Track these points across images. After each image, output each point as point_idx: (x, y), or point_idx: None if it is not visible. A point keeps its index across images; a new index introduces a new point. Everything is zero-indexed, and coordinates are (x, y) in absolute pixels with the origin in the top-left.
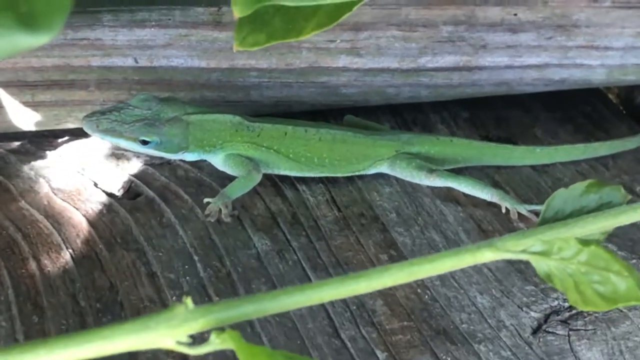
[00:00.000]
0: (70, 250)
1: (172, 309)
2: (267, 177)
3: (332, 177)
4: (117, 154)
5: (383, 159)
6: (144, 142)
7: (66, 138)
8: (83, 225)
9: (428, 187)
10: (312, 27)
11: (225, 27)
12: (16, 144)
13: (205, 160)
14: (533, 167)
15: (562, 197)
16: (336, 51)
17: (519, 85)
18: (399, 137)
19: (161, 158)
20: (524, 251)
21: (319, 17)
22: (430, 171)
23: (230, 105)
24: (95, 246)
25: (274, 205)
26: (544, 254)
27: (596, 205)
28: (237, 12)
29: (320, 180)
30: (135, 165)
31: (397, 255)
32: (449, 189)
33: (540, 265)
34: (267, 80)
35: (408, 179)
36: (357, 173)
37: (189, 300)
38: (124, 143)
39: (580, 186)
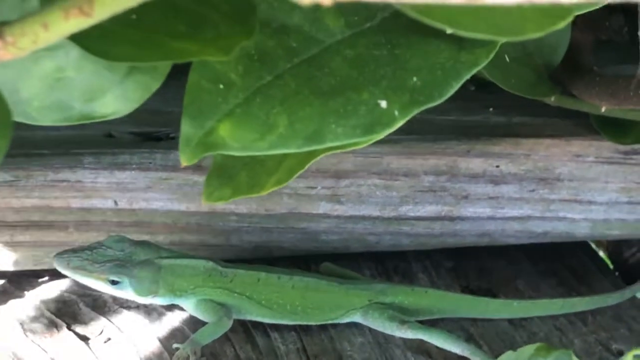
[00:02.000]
0: None
1: None
2: (239, 322)
3: (306, 325)
4: (94, 296)
5: (356, 308)
6: (114, 282)
7: (46, 278)
8: None
9: (401, 338)
10: (273, 182)
11: (205, 171)
12: None
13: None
14: (510, 320)
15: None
16: (317, 198)
17: (501, 237)
18: (373, 286)
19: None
20: None
21: (280, 172)
22: (402, 322)
23: (210, 249)
24: None
25: (243, 353)
26: None
27: None
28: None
29: (294, 327)
30: (110, 308)
31: None
32: (422, 341)
33: None
34: (247, 225)
35: (380, 329)
36: (330, 322)
37: None
38: (93, 282)
39: (529, 349)
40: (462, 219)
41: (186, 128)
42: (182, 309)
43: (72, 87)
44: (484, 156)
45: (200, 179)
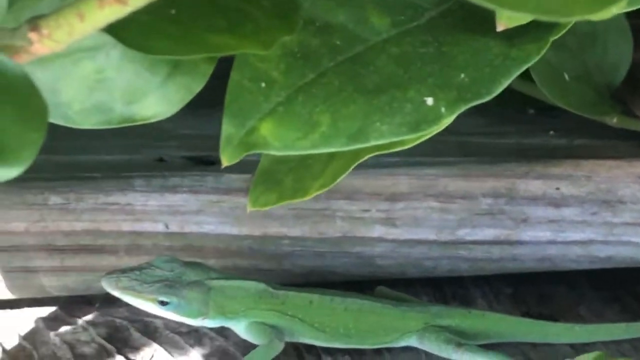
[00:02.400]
0: None
1: None
2: (292, 345)
3: (359, 349)
4: (146, 322)
5: (412, 331)
6: (163, 303)
7: (98, 305)
8: None
9: None
10: (317, 186)
11: None
12: (47, 309)
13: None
14: (572, 345)
15: None
16: (371, 221)
17: (562, 262)
18: (429, 309)
19: (188, 325)
20: None
21: (325, 176)
22: (459, 345)
23: (262, 273)
24: None
25: None
26: None
27: None
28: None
29: (347, 351)
30: (162, 334)
31: None
32: None
33: None
34: (299, 249)
35: (436, 352)
36: (384, 345)
37: None
38: (142, 303)
39: (585, 358)
40: (521, 243)
41: (227, 127)
42: (234, 334)
43: (113, 88)
44: (543, 178)
45: None
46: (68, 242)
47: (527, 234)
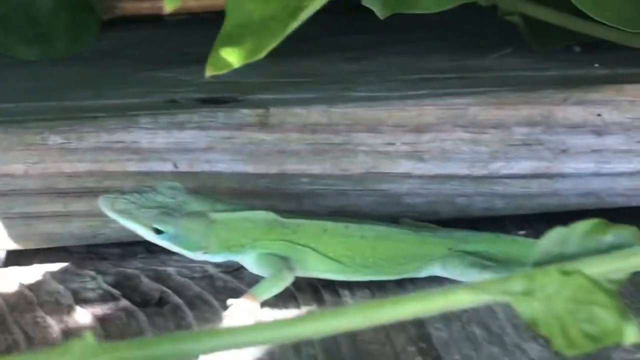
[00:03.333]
0: None
1: (68, 344)
2: (308, 282)
3: (380, 282)
4: (158, 270)
5: (434, 258)
6: (158, 232)
7: (111, 259)
8: (95, 329)
9: None
10: (273, 43)
11: (273, 129)
12: (57, 265)
13: (245, 270)
14: None
15: (561, 237)
16: (396, 155)
17: (609, 197)
18: (453, 234)
19: (202, 270)
20: (504, 292)
21: (282, 34)
22: (484, 267)
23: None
24: None
25: (308, 309)
26: (526, 293)
27: (606, 248)
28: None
29: (367, 285)
30: (174, 280)
31: (427, 347)
32: None
33: (524, 308)
34: (320, 187)
35: (460, 278)
36: (406, 275)
37: (88, 335)
38: (137, 228)
39: (583, 225)
40: (562, 176)
41: None
42: (249, 275)
43: None
44: (583, 104)
45: (268, 137)
46: (71, 184)
47: (568, 166)
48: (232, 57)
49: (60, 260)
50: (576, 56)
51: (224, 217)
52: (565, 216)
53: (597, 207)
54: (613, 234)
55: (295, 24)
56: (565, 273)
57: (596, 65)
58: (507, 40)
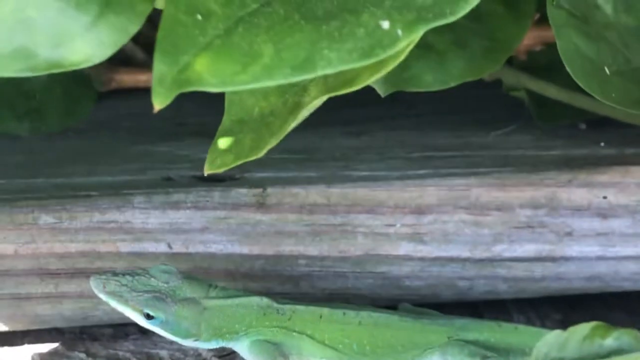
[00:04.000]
0: None
1: None
2: None
3: None
4: (151, 354)
5: (433, 347)
6: (148, 317)
7: (103, 340)
8: None
9: None
10: (272, 142)
11: (269, 209)
12: (48, 346)
13: (239, 355)
14: None
15: (559, 341)
16: (396, 237)
17: (614, 281)
18: (453, 322)
19: (195, 355)
20: None
21: (281, 132)
22: (484, 358)
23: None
24: None
25: None
26: None
27: (606, 353)
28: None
29: None
30: None
31: None
32: None
33: None
34: (318, 269)
35: None
36: None
37: None
38: (127, 311)
39: (583, 328)
40: (566, 259)
41: (159, 66)
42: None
43: (35, 30)
44: (588, 186)
45: (264, 217)
46: (62, 265)
47: (573, 249)
48: (230, 155)
49: (52, 340)
50: (581, 133)
51: (217, 305)
52: (569, 298)
53: (602, 291)
54: (613, 338)
55: (294, 123)
56: None
57: (602, 144)
58: (512, 115)
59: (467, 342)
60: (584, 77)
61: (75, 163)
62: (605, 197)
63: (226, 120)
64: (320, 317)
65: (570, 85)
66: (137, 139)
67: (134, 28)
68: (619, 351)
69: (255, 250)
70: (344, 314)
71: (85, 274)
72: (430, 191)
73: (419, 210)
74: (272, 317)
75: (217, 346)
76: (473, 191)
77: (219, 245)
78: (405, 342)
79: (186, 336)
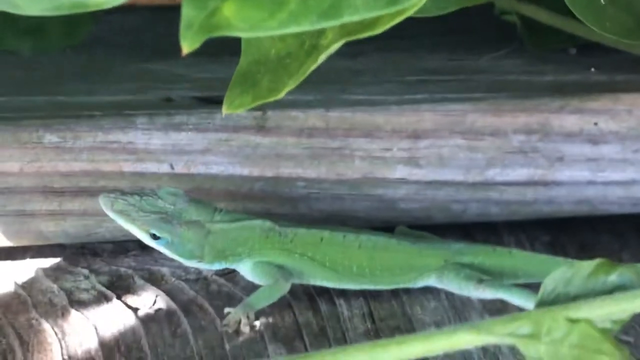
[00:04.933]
0: (66, 358)
1: None
2: (304, 289)
3: (375, 291)
4: (152, 270)
5: (430, 269)
6: (154, 237)
7: (105, 256)
8: (90, 335)
9: (480, 301)
10: (290, 84)
11: (269, 132)
12: (50, 260)
13: (239, 273)
14: None
15: (565, 277)
16: (393, 161)
17: (602, 205)
18: (449, 246)
19: (196, 272)
20: (510, 334)
21: (299, 74)
22: (480, 281)
23: (276, 218)
24: (95, 355)
25: (303, 319)
26: (532, 336)
27: (610, 289)
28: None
29: (362, 294)
30: (167, 281)
31: None
32: (503, 303)
33: (530, 350)
34: (316, 191)
35: (456, 291)
36: (401, 285)
37: None
38: (134, 230)
39: (587, 265)
40: (557, 183)
41: (187, 10)
42: (243, 279)
43: None
44: (580, 113)
45: (264, 140)
46: (66, 183)
47: (563, 174)
48: (248, 96)
49: (54, 255)
50: (572, 58)
51: (221, 228)
52: (558, 221)
53: (591, 214)
54: (617, 275)
55: (312, 65)
56: (573, 320)
57: (592, 69)
58: (503, 38)
59: (463, 265)
60: (579, 6)
61: (74, 80)
62: (596, 124)
63: (243, 61)
64: (321, 239)
65: (562, 10)
66: (133, 56)
67: None
68: (622, 287)
69: (255, 172)
70: (344, 237)
71: (89, 192)
72: (427, 116)
73: (415, 135)
74: (274, 240)
75: (220, 268)
76: (468, 116)
77: (220, 166)
78: (403, 265)
79: (190, 257)
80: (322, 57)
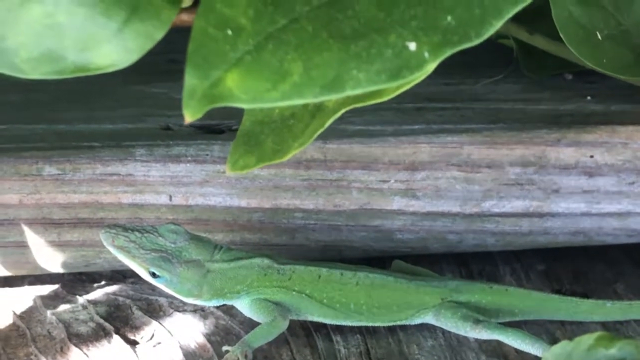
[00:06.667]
0: None
1: None
2: (301, 325)
3: (372, 328)
4: (149, 300)
5: (427, 307)
6: (154, 275)
7: (102, 283)
8: None
9: (476, 341)
10: (296, 146)
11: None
12: (49, 287)
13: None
14: (603, 324)
15: (566, 351)
16: (390, 192)
17: (597, 236)
18: (446, 284)
19: (194, 304)
20: None
21: (304, 136)
22: (477, 322)
23: (273, 248)
24: None
25: (301, 357)
26: None
27: None
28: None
29: (359, 330)
30: (165, 312)
31: None
32: (499, 344)
33: None
34: (313, 222)
35: (453, 330)
36: (398, 323)
37: None
38: (134, 267)
39: (588, 339)
40: (553, 215)
41: (190, 79)
42: (241, 313)
43: (64, 35)
44: (576, 145)
45: (262, 171)
46: (65, 215)
47: (559, 206)
48: (252, 156)
49: (52, 281)
50: (568, 84)
51: (220, 267)
52: (553, 251)
53: (586, 244)
54: (617, 349)
55: (319, 128)
56: None
57: (588, 98)
58: (499, 61)
59: (460, 303)
60: (576, 44)
61: (72, 105)
62: (592, 156)
63: (246, 120)
64: (319, 277)
65: (559, 36)
66: (130, 77)
67: (159, 34)
68: None
69: (253, 203)
70: (342, 274)
71: (88, 223)
72: (424, 148)
73: (412, 167)
74: (272, 277)
75: (218, 304)
76: (465, 148)
77: (218, 198)
78: (400, 303)
79: (188, 295)
80: (329, 122)
